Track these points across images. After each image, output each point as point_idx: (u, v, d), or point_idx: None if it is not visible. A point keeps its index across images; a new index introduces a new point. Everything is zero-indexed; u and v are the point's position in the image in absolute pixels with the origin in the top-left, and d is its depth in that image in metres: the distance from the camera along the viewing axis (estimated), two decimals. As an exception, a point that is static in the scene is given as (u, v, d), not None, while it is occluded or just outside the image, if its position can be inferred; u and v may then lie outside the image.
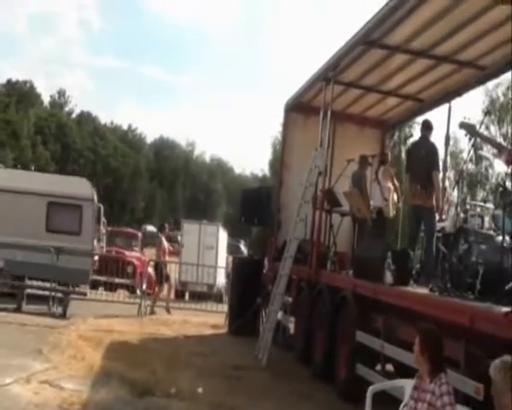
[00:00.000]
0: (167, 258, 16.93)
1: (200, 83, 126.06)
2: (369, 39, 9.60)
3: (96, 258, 18.23)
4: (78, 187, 16.82)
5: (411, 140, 31.14)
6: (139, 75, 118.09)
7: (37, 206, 15.91)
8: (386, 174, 10.63)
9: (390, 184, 10.57)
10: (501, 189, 7.44)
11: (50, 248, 15.00)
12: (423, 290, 7.60)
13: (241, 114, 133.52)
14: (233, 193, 70.50)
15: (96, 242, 17.49)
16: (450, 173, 31.17)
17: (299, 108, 13.46)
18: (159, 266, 16.17)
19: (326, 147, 11.17)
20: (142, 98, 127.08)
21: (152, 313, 15.38)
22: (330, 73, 10.85)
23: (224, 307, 16.02)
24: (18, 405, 6.78)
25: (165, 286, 16.25)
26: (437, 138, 9.36)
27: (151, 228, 44.30)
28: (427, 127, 9.11)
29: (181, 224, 25.22)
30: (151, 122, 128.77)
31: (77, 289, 15.13)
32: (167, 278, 16.28)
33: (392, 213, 10.59)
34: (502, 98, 37.38)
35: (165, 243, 16.46)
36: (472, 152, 7.89)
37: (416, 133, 27.87)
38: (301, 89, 12.72)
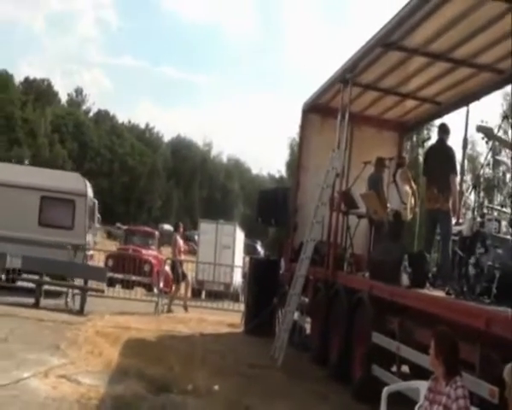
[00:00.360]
0: (183, 257, 17.02)
1: (218, 83, 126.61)
2: (387, 41, 9.60)
3: (91, 253, 18.25)
4: (72, 182, 16.92)
5: (429, 143, 30.92)
6: (157, 74, 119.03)
7: (31, 200, 15.95)
8: (403, 177, 10.60)
9: (407, 187, 10.53)
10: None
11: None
12: (439, 293, 7.61)
13: (258, 114, 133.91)
14: (250, 193, 70.68)
15: (90, 237, 17.50)
16: (468, 177, 30.96)
17: (317, 109, 13.46)
18: (175, 265, 16.28)
19: (343, 149, 11.18)
20: (160, 97, 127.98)
21: (169, 311, 15.47)
22: (348, 75, 10.84)
23: (241, 307, 16.12)
24: (36, 399, 6.85)
25: (183, 284, 16.34)
26: (454, 142, 9.36)
27: (168, 227, 44.46)
28: (444, 131, 9.07)
29: (198, 223, 25.34)
30: (168, 121, 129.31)
31: (94, 285, 15.24)
32: (184, 276, 16.37)
33: (409, 216, 10.57)
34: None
35: (181, 242, 16.55)
36: (489, 155, 7.89)
37: (434, 136, 27.73)
38: (319, 90, 12.73)
